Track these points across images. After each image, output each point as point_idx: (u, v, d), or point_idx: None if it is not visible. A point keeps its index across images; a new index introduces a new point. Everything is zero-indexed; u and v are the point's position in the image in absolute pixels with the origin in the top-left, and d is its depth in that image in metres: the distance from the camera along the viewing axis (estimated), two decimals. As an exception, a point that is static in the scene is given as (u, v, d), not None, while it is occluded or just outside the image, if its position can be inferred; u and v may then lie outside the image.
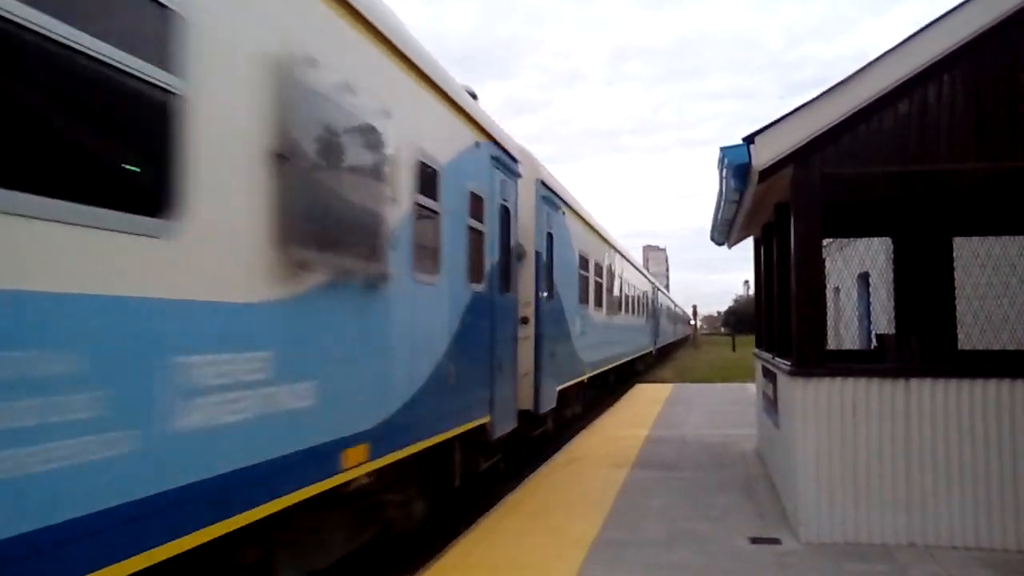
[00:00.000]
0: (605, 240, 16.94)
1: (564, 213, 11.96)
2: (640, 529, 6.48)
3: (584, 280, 13.85)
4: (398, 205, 5.28)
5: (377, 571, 6.25)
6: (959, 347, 10.07)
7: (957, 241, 10.55)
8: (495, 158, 7.99)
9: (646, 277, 28.85)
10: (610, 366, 17.48)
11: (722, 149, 6.93)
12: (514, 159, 8.89)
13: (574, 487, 8.18)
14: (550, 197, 10.91)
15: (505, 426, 8.23)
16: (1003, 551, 5.83)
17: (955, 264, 10.06)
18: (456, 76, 7.25)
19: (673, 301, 53.58)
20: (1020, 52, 6.01)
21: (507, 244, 8.49)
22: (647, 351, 28.37)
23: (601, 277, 15.99)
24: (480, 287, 7.34)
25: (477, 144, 7.38)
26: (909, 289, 9.98)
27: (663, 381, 24.80)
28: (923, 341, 8.20)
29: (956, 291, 9.98)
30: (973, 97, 6.06)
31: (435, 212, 6.11)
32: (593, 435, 12.05)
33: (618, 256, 19.18)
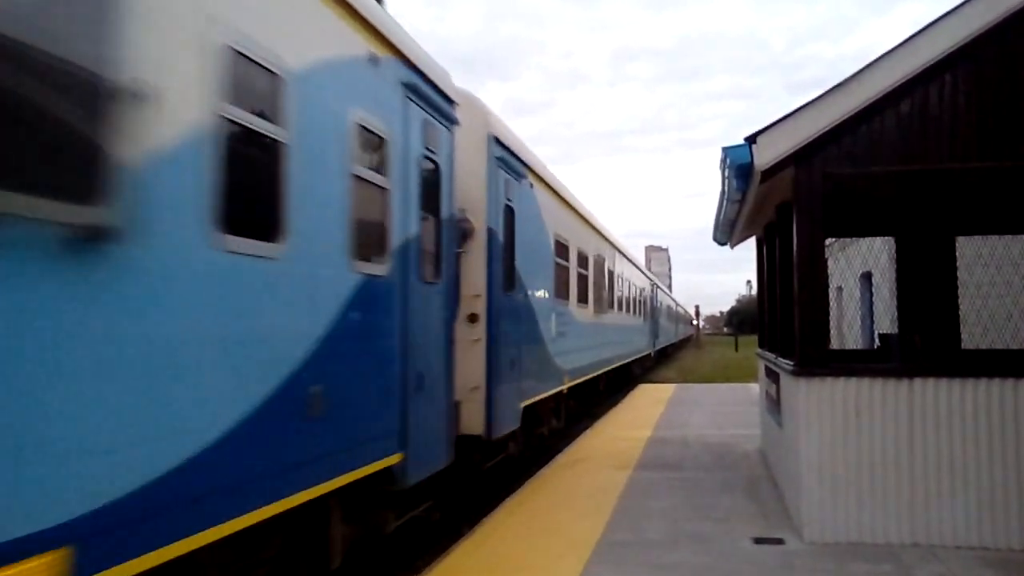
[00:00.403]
0: (592, 226, 14.62)
1: (532, 185, 9.67)
2: (643, 530, 6.48)
3: (562, 271, 11.54)
4: (163, 112, 3.12)
5: (380, 571, 6.26)
6: (962, 346, 10.07)
7: (960, 240, 10.55)
8: (411, 87, 5.76)
9: (644, 273, 26.68)
10: (599, 372, 15.31)
11: (724, 149, 6.93)
12: (448, 99, 6.62)
13: (577, 488, 8.18)
14: (509, 161, 8.54)
15: (430, 464, 6.09)
16: (1007, 551, 5.82)
17: (958, 263, 10.06)
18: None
19: (674, 300, 52.35)
20: (1021, 51, 6.01)
21: (436, 213, 6.33)
22: (645, 353, 26.11)
23: (586, 269, 13.71)
24: (379, 269, 5.18)
25: (373, 58, 5.18)
26: (912, 288, 9.97)
27: (666, 381, 24.79)
28: (926, 340, 8.20)
29: (959, 290, 9.97)
30: (975, 96, 6.06)
31: (273, 141, 3.97)
32: (596, 436, 12.05)
33: (609, 247, 16.98)
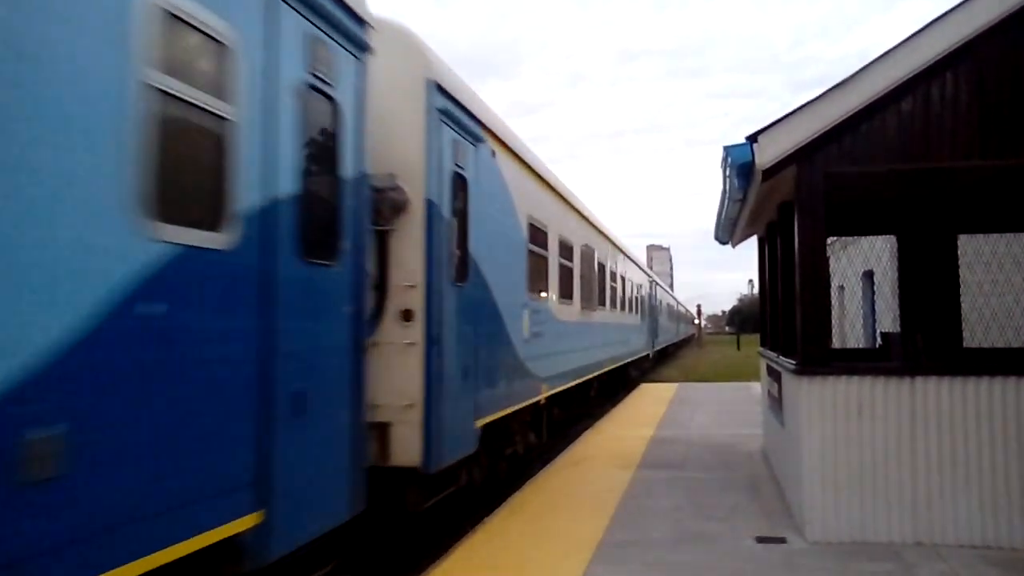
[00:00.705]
0: (579, 212, 12.79)
1: (495, 154, 7.83)
2: (646, 529, 6.48)
3: (539, 261, 9.78)
4: None
5: (381, 571, 6.26)
6: (964, 345, 10.06)
7: (961, 239, 10.53)
8: None
9: (642, 269, 24.83)
10: (587, 377, 13.51)
11: (726, 148, 6.93)
12: (355, 16, 4.96)
13: (580, 487, 8.18)
14: (458, 117, 6.72)
15: (315, 521, 4.40)
16: (1010, 549, 5.82)
17: (959, 262, 10.05)
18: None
19: (675, 298, 51.54)
20: (1022, 49, 6.00)
21: (333, 169, 4.75)
22: (643, 354, 24.23)
23: (571, 260, 11.91)
24: (212, 238, 3.53)
25: None
26: (913, 287, 9.97)
27: (668, 380, 24.79)
28: (928, 339, 8.18)
29: (960, 289, 9.97)
30: (977, 94, 6.05)
31: None
32: (598, 435, 12.05)
33: (601, 237, 15.28)
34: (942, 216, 9.54)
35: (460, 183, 6.79)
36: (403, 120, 6.06)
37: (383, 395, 5.75)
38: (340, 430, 4.73)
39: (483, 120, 7.42)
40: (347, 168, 4.89)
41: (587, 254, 13.51)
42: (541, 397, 9.71)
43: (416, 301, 5.99)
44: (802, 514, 6.26)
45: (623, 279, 19.10)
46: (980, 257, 14.37)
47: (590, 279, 13.77)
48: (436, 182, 6.22)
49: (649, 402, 16.87)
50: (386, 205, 5.89)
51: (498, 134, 7.96)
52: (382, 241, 5.97)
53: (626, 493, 7.84)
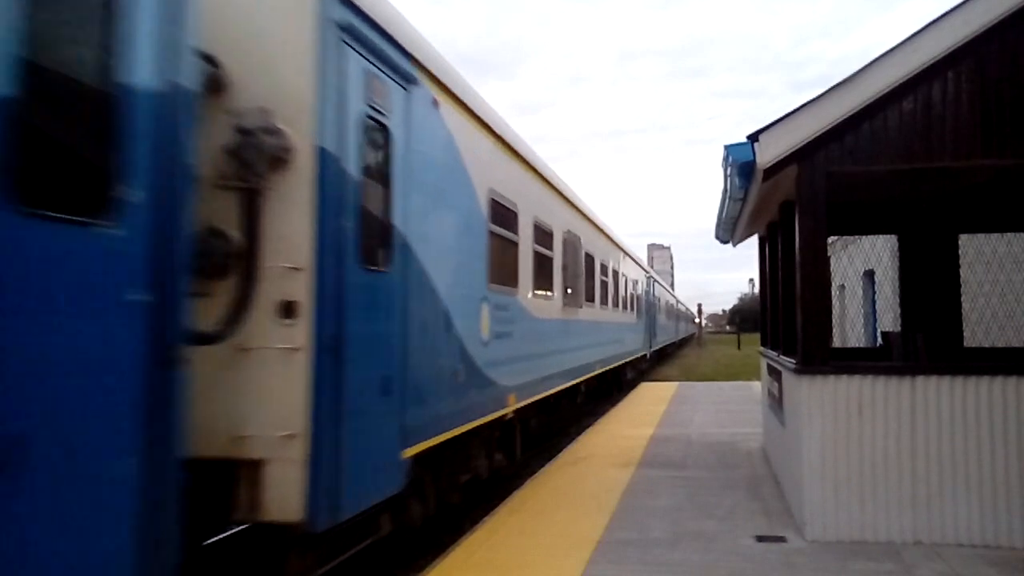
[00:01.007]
0: (559, 193, 10.98)
1: (437, 104, 6.00)
2: (646, 528, 6.49)
3: (505, 247, 8.07)
4: None
5: (381, 570, 6.27)
6: (964, 345, 10.06)
7: (962, 238, 10.53)
8: None
9: (638, 264, 23.12)
10: (570, 383, 11.74)
11: (727, 147, 6.93)
12: None
13: (579, 486, 8.19)
14: (376, 44, 4.96)
15: None
16: (1009, 549, 5.82)
17: (960, 261, 10.05)
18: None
19: (675, 296, 50.52)
20: (1023, 49, 6.01)
21: (98, 69, 2.88)
22: (639, 355, 22.67)
23: (551, 248, 10.27)
24: None
25: None
26: (914, 286, 9.96)
27: (668, 379, 24.80)
28: (929, 339, 8.18)
29: (961, 288, 9.97)
30: (978, 94, 6.05)
31: None
32: (598, 434, 12.06)
33: (589, 225, 13.55)
34: (943, 216, 9.53)
35: (379, 133, 5.06)
36: (283, 34, 4.37)
37: (254, 422, 4.21)
38: (111, 492, 2.90)
39: (416, 55, 5.51)
40: (139, 72, 3.02)
41: (571, 242, 11.66)
42: (508, 410, 8.03)
43: (301, 290, 4.31)
44: (802, 513, 6.27)
45: (616, 273, 17.36)
46: (981, 257, 14.37)
47: (576, 271, 11.90)
48: (335, 125, 4.50)
49: (649, 401, 16.87)
50: (256, 153, 4.23)
51: (442, 79, 6.03)
52: (251, 205, 4.28)
53: (626, 492, 7.84)
